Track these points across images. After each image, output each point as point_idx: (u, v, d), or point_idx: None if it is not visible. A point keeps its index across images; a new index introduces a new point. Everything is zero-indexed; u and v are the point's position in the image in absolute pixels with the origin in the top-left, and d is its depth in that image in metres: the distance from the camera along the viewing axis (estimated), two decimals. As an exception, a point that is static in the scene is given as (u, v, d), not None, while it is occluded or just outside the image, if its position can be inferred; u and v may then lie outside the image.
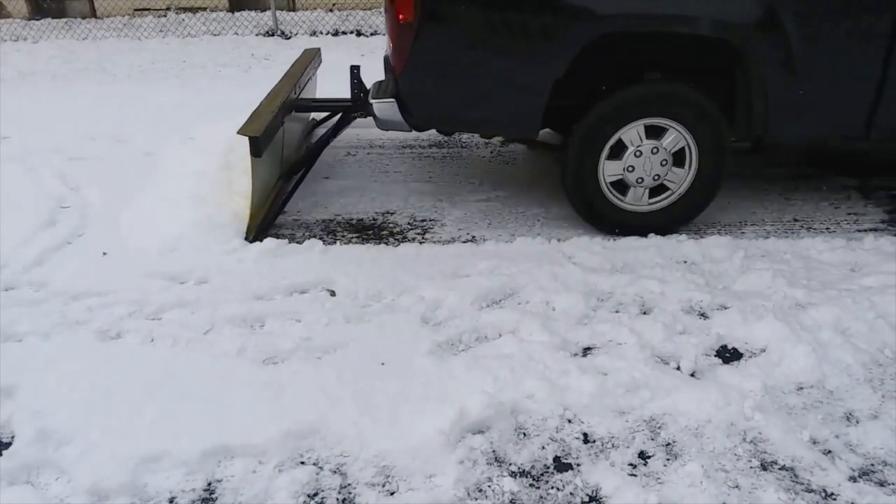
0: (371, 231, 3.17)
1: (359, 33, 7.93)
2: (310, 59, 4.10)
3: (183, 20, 8.54)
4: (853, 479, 1.75)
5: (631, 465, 1.80)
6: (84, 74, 6.33)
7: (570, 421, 1.94)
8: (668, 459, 1.81)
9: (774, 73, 2.73)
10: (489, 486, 1.74)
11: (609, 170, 2.92)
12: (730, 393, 2.00)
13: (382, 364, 2.15)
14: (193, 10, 8.98)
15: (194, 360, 2.19)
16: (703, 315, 2.44)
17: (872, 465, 1.80)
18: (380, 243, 3.04)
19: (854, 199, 3.44)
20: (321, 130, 3.86)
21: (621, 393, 2.02)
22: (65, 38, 8.03)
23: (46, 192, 3.53)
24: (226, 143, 3.38)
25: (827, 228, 3.14)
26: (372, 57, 6.36)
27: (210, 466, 1.79)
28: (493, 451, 1.84)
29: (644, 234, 3.01)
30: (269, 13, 8.19)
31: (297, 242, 2.97)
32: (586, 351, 2.24)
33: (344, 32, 8.01)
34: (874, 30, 2.67)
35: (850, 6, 2.66)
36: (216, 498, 1.71)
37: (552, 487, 1.74)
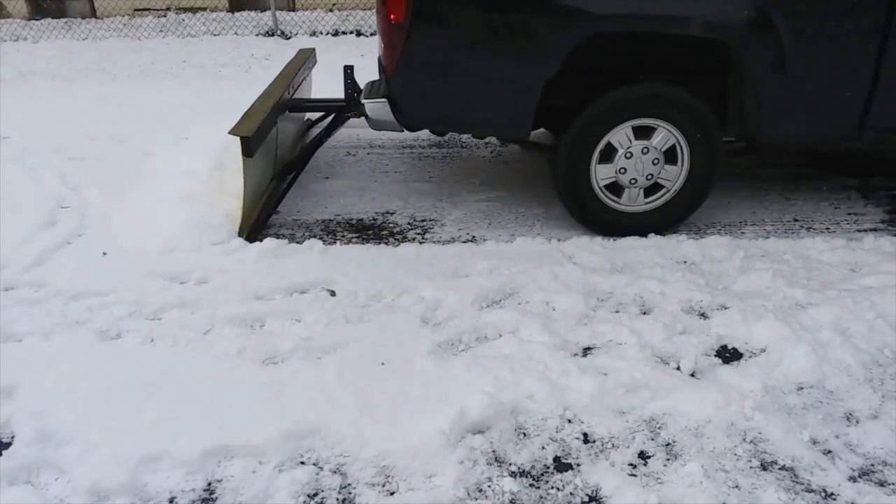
0: (371, 231, 3.17)
1: (359, 33, 7.93)
2: (304, 60, 4.10)
3: (183, 20, 8.54)
4: (853, 479, 1.75)
5: (631, 465, 1.80)
6: (84, 74, 6.33)
7: (570, 421, 1.94)
8: (668, 459, 1.81)
9: (766, 72, 2.72)
10: (489, 487, 1.74)
11: (601, 173, 2.92)
12: (730, 393, 2.00)
13: (382, 364, 2.15)
14: (193, 10, 8.98)
15: (194, 360, 2.19)
16: (703, 315, 2.44)
17: (872, 465, 1.80)
18: (380, 243, 3.04)
19: (854, 199, 3.44)
20: (316, 131, 3.86)
21: (621, 393, 2.02)
22: (65, 38, 8.03)
23: (46, 192, 3.53)
24: (220, 143, 3.38)
25: (827, 228, 3.14)
26: (371, 57, 6.34)
27: (210, 466, 1.79)
28: (493, 451, 1.84)
29: (644, 234, 3.01)
30: (268, 13, 8.20)
31: (297, 242, 2.97)
32: (586, 351, 2.24)
33: (344, 32, 8.01)
34: (866, 29, 2.66)
35: (842, 6, 2.65)
36: (216, 498, 1.71)
37: (552, 487, 1.74)
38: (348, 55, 6.39)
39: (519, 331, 2.30)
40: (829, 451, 1.84)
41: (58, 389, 2.04)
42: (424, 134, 4.32)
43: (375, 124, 3.07)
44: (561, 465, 1.80)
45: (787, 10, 2.63)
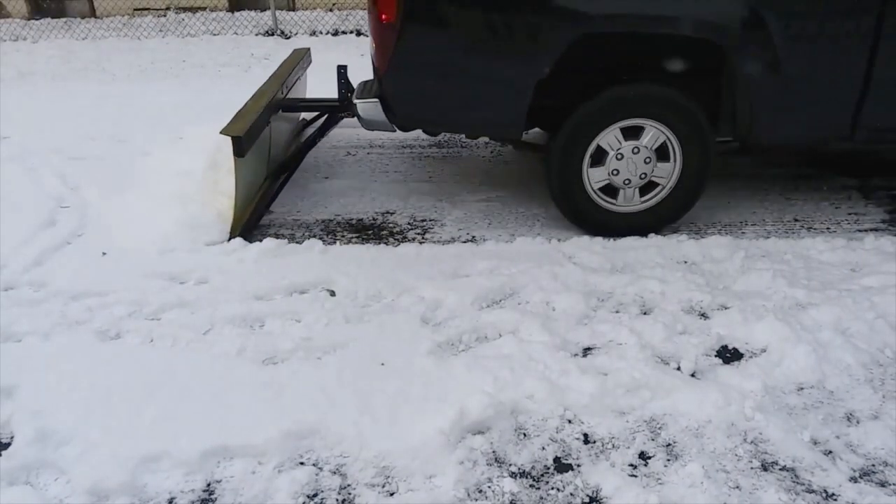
0: (371, 231, 3.17)
1: (358, 33, 7.93)
2: (298, 59, 4.09)
3: (182, 20, 8.53)
4: (854, 479, 1.75)
5: (631, 465, 1.79)
6: (83, 74, 6.33)
7: (570, 421, 1.94)
8: (668, 460, 1.81)
9: (758, 73, 2.71)
10: (489, 487, 1.73)
11: (594, 176, 2.92)
12: (730, 393, 2.00)
13: (382, 364, 2.15)
14: (193, 9, 8.97)
15: (194, 360, 2.18)
16: (703, 315, 2.44)
17: (873, 465, 1.80)
18: (380, 243, 3.03)
19: (855, 199, 3.44)
20: (311, 130, 3.86)
21: (621, 393, 2.02)
22: (64, 37, 8.02)
23: (46, 191, 3.53)
24: (214, 143, 3.38)
25: (827, 228, 3.14)
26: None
27: (210, 467, 1.79)
28: (494, 452, 1.84)
29: (643, 234, 3.00)
30: (268, 13, 8.19)
31: (297, 242, 2.97)
32: (586, 351, 2.24)
33: (344, 32, 8.00)
34: (857, 30, 2.66)
35: (834, 6, 2.65)
36: (216, 498, 1.71)
37: (552, 488, 1.74)
38: (348, 55, 6.38)
39: (519, 331, 2.30)
40: (830, 452, 1.83)
41: (57, 389, 2.03)
42: (424, 133, 4.32)
43: (367, 124, 3.07)
44: (561, 466, 1.80)
45: (779, 11, 2.62)
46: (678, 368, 2.14)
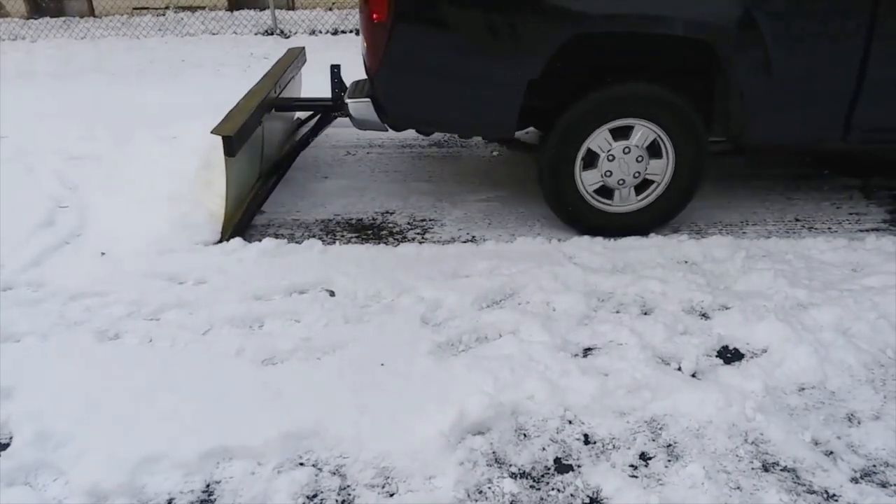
0: (371, 231, 3.16)
1: (358, 32, 7.88)
2: (293, 59, 4.09)
3: (182, 19, 8.52)
4: (855, 480, 1.74)
5: (632, 466, 1.79)
6: (82, 73, 6.31)
7: (570, 422, 1.93)
8: (669, 461, 1.80)
9: (751, 73, 2.71)
10: (489, 488, 1.73)
11: (588, 179, 2.91)
12: (731, 394, 1.99)
13: (382, 365, 2.14)
14: (192, 8, 8.96)
15: (193, 360, 2.18)
16: (704, 315, 2.43)
17: (874, 466, 1.79)
18: (379, 243, 3.03)
19: (856, 199, 3.44)
20: (305, 130, 3.86)
21: (622, 394, 2.01)
22: (63, 37, 8.01)
23: (45, 191, 3.52)
24: (208, 142, 3.37)
25: (829, 228, 3.14)
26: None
27: (209, 468, 1.78)
28: (494, 453, 1.83)
29: (643, 234, 2.99)
30: (268, 12, 8.18)
31: (297, 242, 2.96)
32: (587, 351, 2.24)
33: (343, 31, 8.00)
34: (850, 30, 2.65)
35: (826, 6, 2.64)
36: (215, 499, 1.70)
37: (553, 489, 1.73)
38: (347, 54, 6.36)
39: (519, 331, 2.29)
40: (831, 452, 1.83)
41: (56, 390, 2.03)
42: (418, 133, 4.31)
43: (359, 124, 3.06)
44: (562, 467, 1.80)
45: (771, 11, 2.61)
46: (679, 369, 2.14)
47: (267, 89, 3.38)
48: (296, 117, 4.33)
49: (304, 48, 4.39)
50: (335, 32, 7.98)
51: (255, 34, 7.96)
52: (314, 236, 3.08)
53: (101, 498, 1.69)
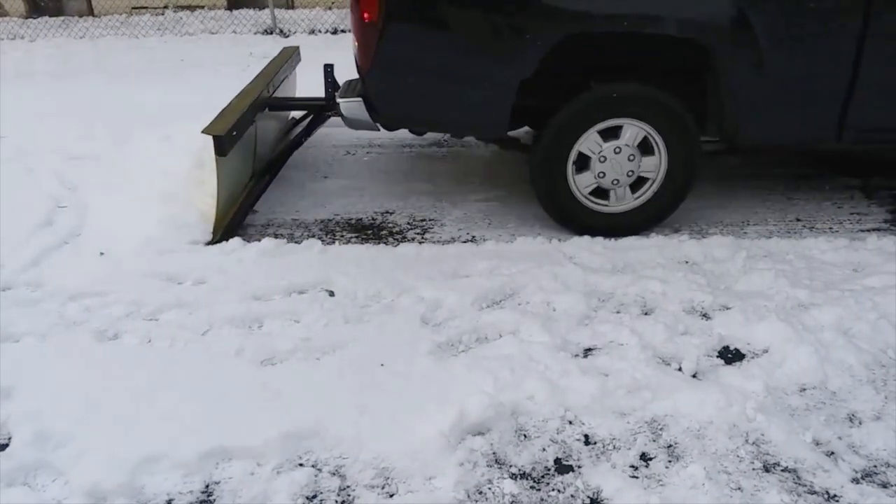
0: (370, 231, 3.16)
1: (357, 32, 7.91)
2: (287, 58, 4.08)
3: (181, 18, 8.51)
4: (856, 480, 1.74)
5: (632, 466, 1.78)
6: (81, 73, 6.31)
7: (570, 422, 1.93)
8: (669, 461, 1.80)
9: (743, 73, 2.70)
10: (489, 489, 1.72)
11: (582, 182, 2.91)
12: (732, 394, 1.99)
13: (382, 365, 2.14)
14: (191, 8, 8.95)
15: (192, 360, 2.17)
16: (704, 315, 2.43)
17: (875, 466, 1.79)
18: (379, 243, 3.02)
19: (857, 199, 3.43)
20: (299, 129, 3.86)
21: (622, 394, 2.01)
22: (62, 36, 8.00)
23: (44, 191, 3.51)
24: (201, 142, 3.36)
25: (830, 228, 3.13)
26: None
27: (208, 468, 1.77)
28: (494, 453, 1.83)
29: (635, 233, 2.99)
30: (267, 11, 8.17)
31: (296, 242, 2.96)
32: (587, 352, 2.23)
33: (343, 31, 7.98)
34: (843, 30, 2.64)
35: (819, 6, 2.63)
36: (214, 500, 1.70)
37: (553, 489, 1.73)
38: (347, 53, 6.32)
39: (519, 331, 2.29)
40: (832, 453, 1.83)
41: (55, 390, 2.02)
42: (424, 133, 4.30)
43: (351, 123, 3.06)
44: (562, 467, 1.79)
45: (763, 11, 2.61)
46: (679, 369, 2.14)
47: (260, 88, 3.37)
48: (290, 116, 4.32)
49: (298, 47, 4.38)
50: (335, 31, 7.98)
51: (255, 33, 7.96)
52: (314, 236, 3.08)
53: (100, 498, 1.68)
